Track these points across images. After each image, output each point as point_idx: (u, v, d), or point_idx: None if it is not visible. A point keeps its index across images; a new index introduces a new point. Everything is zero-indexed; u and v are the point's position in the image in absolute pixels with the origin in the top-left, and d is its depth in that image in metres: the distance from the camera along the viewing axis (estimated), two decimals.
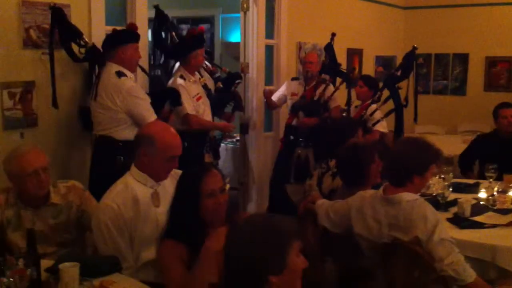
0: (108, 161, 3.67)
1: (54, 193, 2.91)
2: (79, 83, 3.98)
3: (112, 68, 3.72)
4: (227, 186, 2.69)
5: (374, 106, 5.31)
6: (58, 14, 3.64)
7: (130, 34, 3.90)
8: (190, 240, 2.47)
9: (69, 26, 3.70)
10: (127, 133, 3.64)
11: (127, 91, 3.64)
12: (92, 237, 2.76)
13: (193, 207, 2.49)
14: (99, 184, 3.14)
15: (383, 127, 5.28)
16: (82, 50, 3.79)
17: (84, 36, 3.77)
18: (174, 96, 4.21)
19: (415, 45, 5.55)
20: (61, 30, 3.66)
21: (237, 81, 5.07)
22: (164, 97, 4.20)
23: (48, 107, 3.75)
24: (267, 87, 5.93)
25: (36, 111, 3.69)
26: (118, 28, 4.04)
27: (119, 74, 3.68)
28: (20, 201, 2.86)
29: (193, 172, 2.60)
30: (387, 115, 5.38)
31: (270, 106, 5.77)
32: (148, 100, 3.76)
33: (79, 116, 3.93)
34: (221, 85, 4.90)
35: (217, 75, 5.01)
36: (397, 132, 5.39)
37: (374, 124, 5.21)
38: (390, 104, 5.45)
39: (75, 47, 3.78)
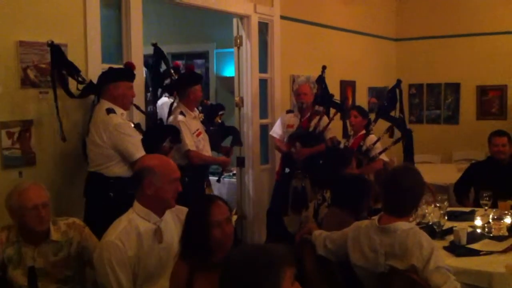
0: (100, 197, 3.71)
1: (54, 230, 2.94)
2: (79, 120, 4.02)
3: (104, 105, 3.76)
4: (234, 217, 2.73)
5: (373, 136, 5.37)
6: (57, 52, 3.71)
7: (122, 72, 3.95)
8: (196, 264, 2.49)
9: (67, 63, 3.76)
10: (117, 169, 3.68)
11: (114, 127, 3.66)
12: (92, 273, 2.78)
13: (201, 237, 2.51)
14: (93, 219, 3.17)
15: (386, 156, 5.35)
16: (80, 86, 3.84)
17: (82, 73, 3.84)
18: (174, 134, 4.25)
19: (399, 78, 5.67)
20: (59, 67, 3.72)
21: (220, 112, 5.12)
22: (164, 134, 4.24)
23: (46, 146, 3.79)
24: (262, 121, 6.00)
25: (34, 149, 3.73)
26: (114, 66, 4.12)
27: (108, 110, 3.71)
28: (21, 239, 2.88)
29: (201, 203, 2.64)
30: (395, 142, 5.40)
31: (281, 150, 5.70)
32: (136, 137, 3.77)
33: (83, 150, 3.95)
34: (219, 120, 4.96)
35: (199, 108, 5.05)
36: (407, 160, 5.34)
37: (380, 153, 5.27)
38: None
39: (71, 84, 3.82)
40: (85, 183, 3.85)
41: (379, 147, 5.31)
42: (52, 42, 3.67)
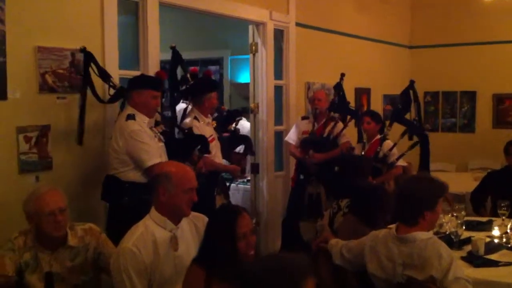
0: (115, 201, 3.73)
1: (71, 235, 2.95)
2: (100, 125, 4.06)
3: (127, 111, 3.79)
4: (256, 229, 2.71)
5: (389, 141, 5.34)
6: (89, 57, 3.75)
7: (148, 80, 3.98)
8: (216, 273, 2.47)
9: (99, 68, 3.80)
10: (132, 175, 3.69)
11: (129, 133, 3.67)
12: (107, 279, 2.78)
13: (228, 249, 2.50)
14: (113, 223, 3.17)
15: (403, 161, 5.33)
16: (111, 91, 3.87)
17: (113, 78, 3.87)
18: (204, 144, 4.25)
19: (412, 79, 5.67)
20: (89, 73, 3.76)
21: (237, 118, 5.11)
22: (194, 143, 4.24)
23: (63, 150, 3.81)
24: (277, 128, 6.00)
25: (51, 154, 3.74)
26: (131, 72, 4.14)
27: (128, 117, 3.73)
28: (38, 244, 2.89)
29: (227, 215, 2.62)
30: (412, 147, 5.35)
31: (296, 156, 5.67)
32: (152, 145, 3.75)
33: None
34: (232, 128, 4.96)
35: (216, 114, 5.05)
36: (423, 165, 5.32)
37: (398, 159, 5.24)
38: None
39: (98, 89, 3.86)
40: (102, 186, 3.87)
41: (395, 152, 5.28)
42: (85, 48, 3.72)
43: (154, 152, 3.74)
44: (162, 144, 3.90)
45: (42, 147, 3.69)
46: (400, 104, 5.75)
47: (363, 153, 5.31)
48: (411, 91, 5.53)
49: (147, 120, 3.85)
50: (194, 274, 2.50)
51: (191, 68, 5.00)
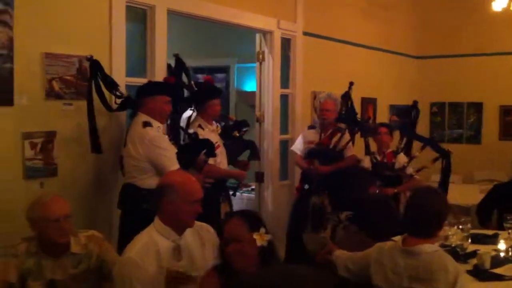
0: (133, 209, 3.73)
1: (74, 242, 2.94)
2: (106, 132, 4.04)
3: (141, 118, 3.80)
4: (265, 237, 2.66)
5: (402, 154, 5.37)
6: (96, 66, 3.76)
7: (161, 86, 4.01)
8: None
9: (106, 77, 3.81)
10: (151, 182, 3.65)
11: (149, 140, 3.70)
12: (109, 286, 2.76)
13: (220, 254, 2.55)
14: (127, 231, 3.16)
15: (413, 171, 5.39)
16: (118, 100, 3.88)
17: (119, 87, 3.88)
18: (210, 147, 4.25)
19: (415, 100, 5.81)
20: (97, 81, 3.78)
21: (244, 129, 5.10)
22: (199, 147, 4.24)
23: (68, 157, 3.81)
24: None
25: (56, 161, 3.74)
26: (138, 80, 4.14)
27: (145, 124, 3.75)
28: (41, 250, 2.88)
29: (222, 220, 2.67)
30: (434, 161, 5.30)
31: (302, 166, 5.63)
32: (171, 150, 3.81)
33: (120, 164, 3.98)
34: (237, 134, 4.95)
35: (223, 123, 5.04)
36: (443, 181, 5.26)
37: (418, 171, 5.29)
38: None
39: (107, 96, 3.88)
40: (119, 195, 3.88)
41: (409, 166, 5.34)
42: (91, 56, 3.73)
43: (174, 157, 3.77)
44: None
45: (47, 153, 3.69)
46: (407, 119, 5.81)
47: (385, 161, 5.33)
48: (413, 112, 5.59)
49: (161, 126, 3.86)
50: (209, 280, 2.52)
51: (204, 76, 4.99)
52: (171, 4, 4.56)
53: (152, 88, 3.95)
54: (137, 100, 3.91)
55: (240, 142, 5.05)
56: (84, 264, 2.96)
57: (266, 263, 2.56)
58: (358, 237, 3.42)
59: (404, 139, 5.49)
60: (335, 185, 5.11)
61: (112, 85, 3.84)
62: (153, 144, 3.71)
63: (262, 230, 2.65)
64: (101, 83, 3.80)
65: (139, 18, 4.44)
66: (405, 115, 5.83)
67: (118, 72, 4.10)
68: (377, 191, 4.95)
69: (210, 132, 4.61)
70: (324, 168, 5.30)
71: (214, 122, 4.74)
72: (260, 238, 2.61)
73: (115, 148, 4.06)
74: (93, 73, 3.75)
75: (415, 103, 5.65)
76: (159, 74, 4.43)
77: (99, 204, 4.03)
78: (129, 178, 3.81)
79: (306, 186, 5.45)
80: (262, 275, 1.85)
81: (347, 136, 5.44)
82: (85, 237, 3.02)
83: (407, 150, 5.61)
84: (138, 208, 3.65)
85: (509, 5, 6.86)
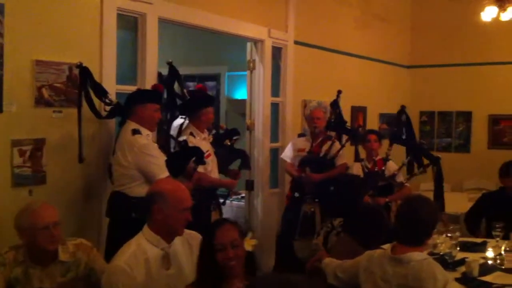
0: (122, 217, 3.71)
1: (62, 250, 2.92)
2: (96, 140, 4.04)
3: (130, 125, 3.80)
4: (252, 242, 2.68)
5: (392, 162, 5.42)
6: (86, 73, 3.75)
7: (150, 94, 4.00)
8: None
9: (95, 84, 3.81)
10: (140, 190, 3.64)
11: (139, 148, 3.70)
12: None
13: (208, 261, 2.52)
14: (116, 240, 3.15)
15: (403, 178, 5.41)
16: (107, 107, 3.88)
17: (109, 95, 3.87)
18: (199, 155, 4.25)
19: (403, 105, 5.78)
20: (86, 88, 3.77)
21: (235, 137, 5.10)
22: (188, 155, 4.24)
23: (57, 165, 3.79)
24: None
25: (45, 168, 3.72)
26: (129, 87, 4.14)
27: (134, 131, 3.75)
28: (28, 259, 2.86)
29: (208, 227, 2.65)
30: (425, 167, 5.34)
31: (292, 174, 5.63)
32: (161, 158, 3.80)
33: (108, 172, 3.97)
34: (228, 143, 4.95)
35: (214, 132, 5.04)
36: (437, 189, 5.32)
37: (409, 179, 5.33)
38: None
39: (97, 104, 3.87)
40: (108, 203, 3.86)
41: (400, 174, 5.36)
42: (81, 63, 3.72)
43: (164, 165, 3.77)
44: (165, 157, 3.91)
45: (36, 161, 3.67)
46: (395, 127, 5.83)
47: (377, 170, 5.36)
48: (403, 116, 5.61)
49: (150, 134, 3.86)
50: None
51: (197, 85, 4.99)
52: (162, 12, 4.57)
53: (141, 96, 3.95)
54: (126, 108, 3.90)
55: (231, 151, 5.06)
56: (72, 272, 2.94)
57: (251, 268, 2.57)
58: (352, 246, 3.43)
59: (390, 147, 5.50)
60: (327, 193, 5.12)
61: (101, 92, 3.84)
62: (143, 152, 3.70)
63: (250, 235, 2.67)
64: (90, 90, 3.80)
65: (130, 26, 4.44)
66: (395, 123, 5.84)
67: (109, 80, 4.09)
68: (369, 200, 4.97)
69: (202, 140, 4.60)
70: (316, 176, 5.32)
71: (206, 130, 4.74)
72: (248, 243, 2.64)
73: (104, 156, 4.06)
74: (82, 80, 3.75)
75: (403, 107, 5.67)
76: (150, 82, 4.42)
77: (87, 212, 4.01)
78: (117, 186, 3.80)
79: (297, 194, 5.46)
80: (258, 284, 1.84)
81: (337, 145, 5.47)
82: (73, 245, 3.00)
83: (410, 167, 5.52)
84: (127, 217, 3.64)
85: (498, 16, 6.93)
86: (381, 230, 3.38)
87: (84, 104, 3.78)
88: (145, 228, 2.74)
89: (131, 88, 4.28)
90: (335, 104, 5.77)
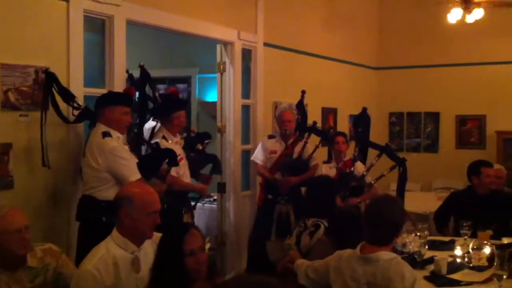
0: (92, 221, 3.67)
1: (30, 256, 2.87)
2: (65, 144, 4.00)
3: (100, 128, 3.77)
4: (207, 245, 2.72)
5: (360, 163, 5.46)
6: (51, 78, 3.71)
7: (119, 97, 3.97)
8: None
9: (62, 89, 3.77)
10: (110, 193, 3.58)
11: (109, 150, 3.67)
12: None
13: (176, 266, 2.52)
14: (86, 244, 3.12)
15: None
16: (76, 111, 3.84)
17: (77, 99, 3.83)
18: (172, 157, 4.23)
19: (365, 107, 5.94)
20: (52, 94, 3.73)
21: (206, 141, 5.09)
22: (161, 157, 4.22)
23: (25, 169, 3.74)
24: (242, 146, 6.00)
25: (12, 173, 3.66)
26: (97, 90, 4.10)
27: (104, 134, 3.72)
28: None
29: (175, 232, 2.64)
30: (391, 169, 5.43)
31: (266, 176, 5.62)
32: (132, 160, 3.78)
33: (80, 175, 3.93)
34: (200, 147, 4.94)
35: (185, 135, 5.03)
36: (399, 188, 5.43)
37: (377, 179, 5.38)
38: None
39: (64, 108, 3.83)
40: (77, 207, 3.82)
41: (368, 175, 5.43)
42: (47, 68, 3.69)
43: (135, 167, 3.75)
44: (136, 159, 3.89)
45: (3, 165, 3.61)
46: (360, 128, 5.92)
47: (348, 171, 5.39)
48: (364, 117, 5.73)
49: (121, 136, 3.84)
50: None
51: (170, 88, 4.96)
52: (130, 14, 4.53)
53: (111, 99, 3.92)
54: (96, 111, 3.87)
55: (202, 156, 5.04)
56: (40, 277, 2.89)
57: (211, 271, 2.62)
58: (330, 250, 3.44)
59: (357, 148, 5.57)
60: (302, 194, 5.15)
61: (69, 97, 3.80)
62: (113, 154, 3.68)
63: (207, 239, 2.71)
64: (56, 95, 3.75)
65: (97, 28, 4.40)
66: (357, 124, 5.95)
67: (76, 83, 4.06)
68: (341, 201, 5.00)
69: (174, 144, 4.58)
70: (293, 179, 5.35)
71: (178, 134, 4.72)
72: (206, 247, 2.68)
73: (74, 159, 4.01)
74: (48, 85, 3.70)
75: (364, 109, 5.77)
76: (118, 84, 4.39)
77: (56, 217, 3.96)
78: (87, 190, 3.76)
79: (270, 196, 5.47)
80: (231, 286, 1.84)
81: (310, 146, 5.50)
82: (42, 250, 2.96)
83: (362, 158, 5.71)
84: (97, 220, 3.60)
85: (464, 18, 7.07)
86: (359, 233, 3.39)
87: (52, 108, 3.74)
88: (114, 232, 2.72)
89: (100, 91, 4.23)
90: (300, 105, 5.81)
